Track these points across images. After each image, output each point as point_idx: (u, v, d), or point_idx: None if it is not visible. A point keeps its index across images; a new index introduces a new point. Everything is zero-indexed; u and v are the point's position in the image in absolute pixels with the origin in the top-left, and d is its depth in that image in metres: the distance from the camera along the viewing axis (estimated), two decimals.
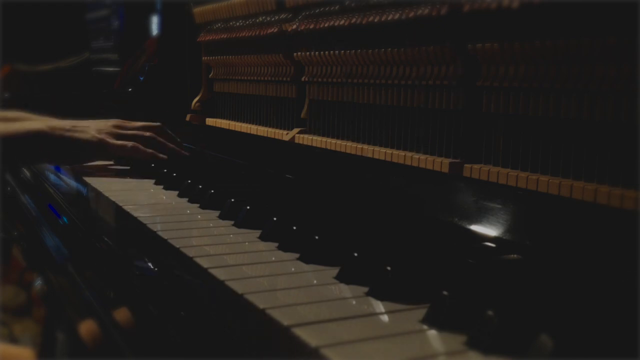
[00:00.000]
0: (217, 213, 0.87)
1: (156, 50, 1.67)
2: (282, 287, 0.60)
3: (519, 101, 0.70)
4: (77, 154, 1.24)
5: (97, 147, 1.23)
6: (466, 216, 0.72)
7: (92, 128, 1.25)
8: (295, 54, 1.06)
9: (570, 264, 0.61)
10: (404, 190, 0.85)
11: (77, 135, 1.23)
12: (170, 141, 1.30)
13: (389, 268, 0.56)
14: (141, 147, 1.23)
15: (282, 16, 1.09)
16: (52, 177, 1.36)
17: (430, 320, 0.50)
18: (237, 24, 1.23)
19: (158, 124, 1.31)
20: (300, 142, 1.04)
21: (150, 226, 0.80)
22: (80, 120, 1.28)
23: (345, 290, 0.59)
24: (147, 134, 1.27)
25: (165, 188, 1.08)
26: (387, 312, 0.53)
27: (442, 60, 0.78)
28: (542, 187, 0.66)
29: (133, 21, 1.87)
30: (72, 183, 1.23)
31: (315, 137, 1.01)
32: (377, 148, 0.88)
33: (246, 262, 0.67)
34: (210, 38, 1.33)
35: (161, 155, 1.24)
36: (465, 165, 0.75)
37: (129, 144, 1.23)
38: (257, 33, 1.15)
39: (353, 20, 0.90)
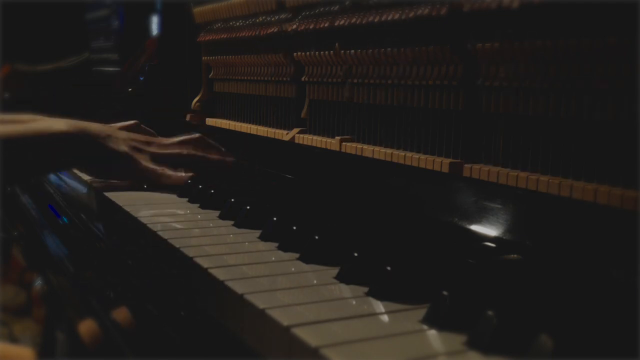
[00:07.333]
0: (217, 213, 0.87)
1: (156, 50, 1.67)
2: (282, 287, 0.60)
3: (519, 101, 0.70)
4: (105, 166, 1.05)
5: (127, 164, 1.03)
6: (466, 216, 0.72)
7: (122, 139, 1.04)
8: (295, 54, 1.06)
9: (570, 264, 0.61)
10: (404, 190, 0.85)
11: (110, 144, 1.01)
12: (213, 151, 1.12)
13: (389, 268, 0.56)
14: (172, 173, 1.04)
15: (282, 16, 1.09)
16: (52, 177, 1.36)
17: (430, 320, 0.50)
18: (237, 24, 1.23)
19: (197, 135, 1.12)
20: (300, 142, 1.04)
21: (151, 226, 0.80)
22: (100, 123, 1.06)
23: (345, 290, 0.59)
24: (185, 151, 1.07)
25: None
26: (387, 312, 0.53)
27: (442, 60, 0.78)
28: (542, 187, 0.65)
29: (133, 21, 1.87)
30: (72, 183, 1.23)
31: (315, 137, 1.01)
32: (377, 148, 0.88)
33: (246, 262, 0.67)
34: (210, 38, 1.33)
35: (188, 174, 1.04)
36: (465, 165, 0.75)
37: (158, 169, 1.03)
38: (257, 33, 1.15)
39: (353, 20, 0.90)
